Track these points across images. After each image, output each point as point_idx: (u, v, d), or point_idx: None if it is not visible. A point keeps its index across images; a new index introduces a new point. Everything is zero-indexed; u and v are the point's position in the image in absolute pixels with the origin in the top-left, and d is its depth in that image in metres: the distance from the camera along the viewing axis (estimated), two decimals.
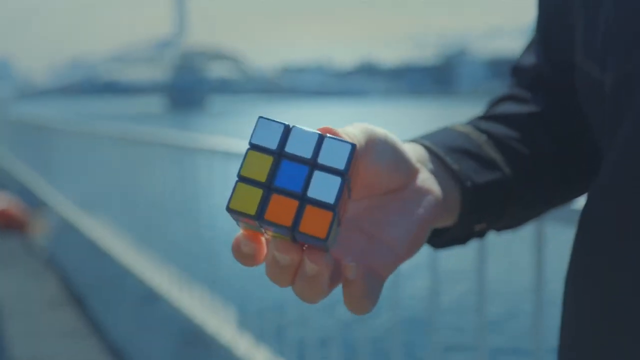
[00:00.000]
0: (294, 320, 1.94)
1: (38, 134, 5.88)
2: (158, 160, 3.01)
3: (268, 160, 0.32)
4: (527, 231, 0.94)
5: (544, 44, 0.53)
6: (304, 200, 0.31)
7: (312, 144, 0.32)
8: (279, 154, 0.32)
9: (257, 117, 0.33)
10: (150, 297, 2.81)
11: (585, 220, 0.41)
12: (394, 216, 0.39)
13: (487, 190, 0.46)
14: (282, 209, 0.31)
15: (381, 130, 0.38)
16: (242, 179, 0.32)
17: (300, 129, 0.32)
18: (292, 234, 0.31)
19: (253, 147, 0.32)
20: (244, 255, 0.35)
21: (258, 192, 0.31)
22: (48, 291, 3.89)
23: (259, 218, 0.31)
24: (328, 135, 0.32)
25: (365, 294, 0.35)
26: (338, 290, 0.37)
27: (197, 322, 2.37)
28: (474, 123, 0.51)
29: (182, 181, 2.80)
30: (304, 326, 1.84)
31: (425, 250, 0.51)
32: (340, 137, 0.33)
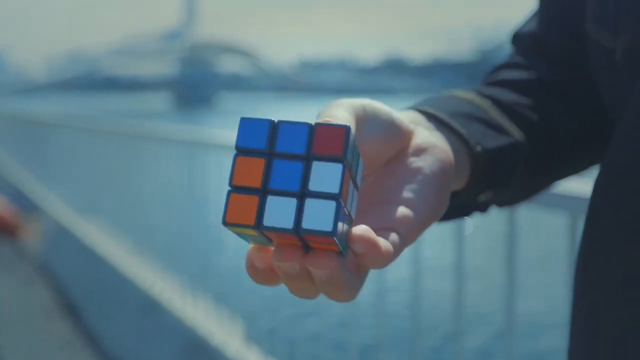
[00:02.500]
0: (305, 333, 1.97)
1: (31, 132, 5.98)
2: (160, 158, 3.05)
3: (259, 162, 0.32)
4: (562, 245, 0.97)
5: (550, 11, 0.55)
6: (303, 196, 0.32)
7: (303, 136, 0.32)
8: (270, 154, 0.32)
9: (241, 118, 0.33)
10: (150, 307, 2.85)
11: (595, 204, 0.43)
12: (403, 177, 0.40)
13: (497, 154, 0.48)
14: (281, 211, 0.32)
15: (365, 101, 0.39)
16: (234, 188, 0.32)
17: (288, 123, 0.32)
18: (298, 234, 0.32)
19: (241, 151, 0.32)
20: (258, 272, 0.35)
21: (254, 200, 0.32)
22: (41, 300, 3.96)
23: (258, 227, 0.32)
24: (318, 122, 0.33)
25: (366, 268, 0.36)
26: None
27: (202, 333, 2.40)
28: (477, 89, 0.53)
29: (187, 182, 2.84)
30: (316, 340, 1.87)
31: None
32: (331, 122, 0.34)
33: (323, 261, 0.32)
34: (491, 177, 0.48)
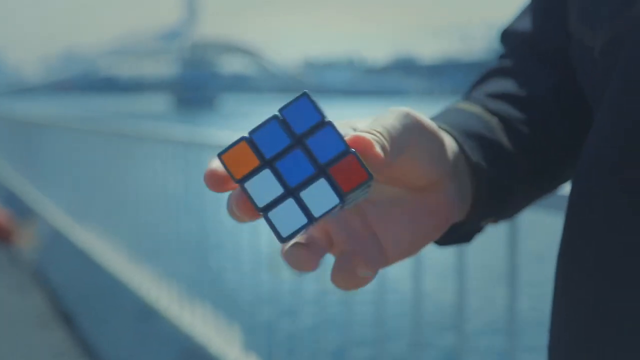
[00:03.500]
0: (305, 340, 1.99)
1: (26, 133, 6.03)
2: (157, 160, 3.08)
3: (284, 139, 0.34)
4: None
5: (539, 10, 0.57)
6: (324, 171, 0.34)
7: (279, 130, 0.34)
8: (299, 141, 0.34)
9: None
10: (147, 314, 2.88)
11: (572, 192, 0.46)
12: (404, 218, 0.42)
13: (501, 183, 0.49)
14: (318, 196, 0.34)
15: (427, 119, 0.41)
16: (249, 140, 0.35)
17: (256, 130, 0.34)
18: (263, 215, 0.35)
19: (280, 120, 0.34)
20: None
21: (254, 162, 0.34)
22: (35, 308, 3.98)
23: (241, 184, 0.35)
24: (281, 110, 0.34)
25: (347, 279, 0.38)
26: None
27: (199, 341, 2.43)
28: (482, 102, 0.54)
29: (185, 185, 2.86)
30: (315, 348, 1.90)
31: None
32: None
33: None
34: (493, 207, 0.50)
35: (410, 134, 0.39)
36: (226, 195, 0.36)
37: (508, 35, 0.60)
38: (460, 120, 0.49)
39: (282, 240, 0.34)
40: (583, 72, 0.50)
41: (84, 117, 5.13)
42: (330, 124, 0.34)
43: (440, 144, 0.42)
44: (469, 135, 0.48)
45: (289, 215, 0.34)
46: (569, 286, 0.44)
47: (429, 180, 0.42)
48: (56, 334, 3.56)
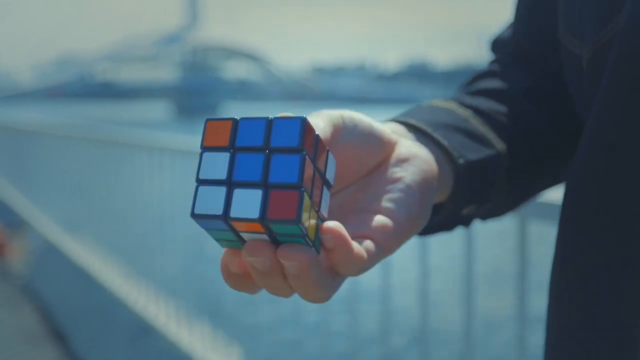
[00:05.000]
0: (304, 358, 2.01)
1: (18, 141, 6.06)
2: (156, 171, 3.10)
3: (224, 157, 0.38)
4: None
5: (527, 19, 0.60)
6: (266, 187, 0.36)
7: (261, 130, 0.37)
8: (233, 149, 0.38)
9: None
10: (144, 332, 2.89)
11: (564, 205, 0.48)
12: (384, 186, 0.44)
13: (480, 166, 0.52)
14: (246, 202, 0.36)
15: (344, 111, 0.44)
16: (201, 182, 0.38)
17: (247, 119, 0.38)
18: (265, 226, 0.36)
19: (206, 149, 0.38)
20: (233, 276, 0.39)
21: (221, 191, 0.37)
22: (26, 324, 4.00)
23: (225, 217, 0.36)
24: (275, 117, 0.38)
25: (345, 264, 0.38)
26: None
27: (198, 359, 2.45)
28: (457, 99, 0.58)
29: (184, 197, 2.88)
30: None
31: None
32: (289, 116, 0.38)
33: (292, 252, 0.36)
34: (474, 190, 0.52)
35: (332, 124, 0.42)
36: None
37: (496, 44, 0.65)
38: (430, 115, 0.53)
39: (192, 215, 0.37)
40: (571, 79, 0.52)
41: (78, 124, 5.16)
42: (301, 154, 0.37)
43: (365, 123, 0.45)
44: (437, 125, 0.51)
45: (213, 199, 0.37)
46: (559, 296, 0.47)
47: (375, 154, 0.45)
48: (48, 352, 3.58)
